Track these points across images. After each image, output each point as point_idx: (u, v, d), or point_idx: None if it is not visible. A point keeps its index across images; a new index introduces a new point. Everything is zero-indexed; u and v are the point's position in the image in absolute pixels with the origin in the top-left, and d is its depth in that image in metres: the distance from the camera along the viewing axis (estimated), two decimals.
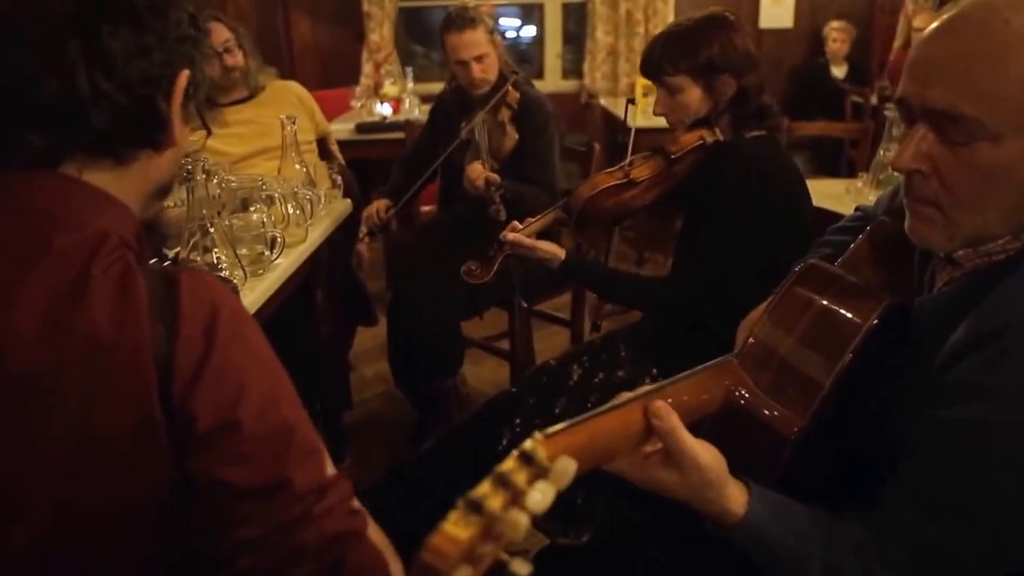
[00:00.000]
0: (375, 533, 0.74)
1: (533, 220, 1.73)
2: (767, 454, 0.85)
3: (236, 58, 2.50)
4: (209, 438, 0.66)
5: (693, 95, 1.59)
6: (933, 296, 0.90)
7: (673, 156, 1.64)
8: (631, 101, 1.86)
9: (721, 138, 1.63)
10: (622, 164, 1.70)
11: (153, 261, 1.48)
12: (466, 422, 1.84)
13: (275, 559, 0.66)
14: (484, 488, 0.50)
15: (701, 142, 1.62)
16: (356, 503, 0.73)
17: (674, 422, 0.76)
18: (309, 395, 2.25)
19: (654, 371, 1.61)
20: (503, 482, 0.51)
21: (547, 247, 1.68)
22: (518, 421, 1.62)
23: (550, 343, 2.98)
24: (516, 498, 0.50)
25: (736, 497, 0.80)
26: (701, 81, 1.58)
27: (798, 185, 1.61)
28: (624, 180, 1.66)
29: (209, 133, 0.91)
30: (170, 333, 0.66)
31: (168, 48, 0.74)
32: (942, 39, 0.79)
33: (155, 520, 0.69)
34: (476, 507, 0.49)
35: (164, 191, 0.84)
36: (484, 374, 2.94)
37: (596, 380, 1.64)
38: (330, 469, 0.73)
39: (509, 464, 0.52)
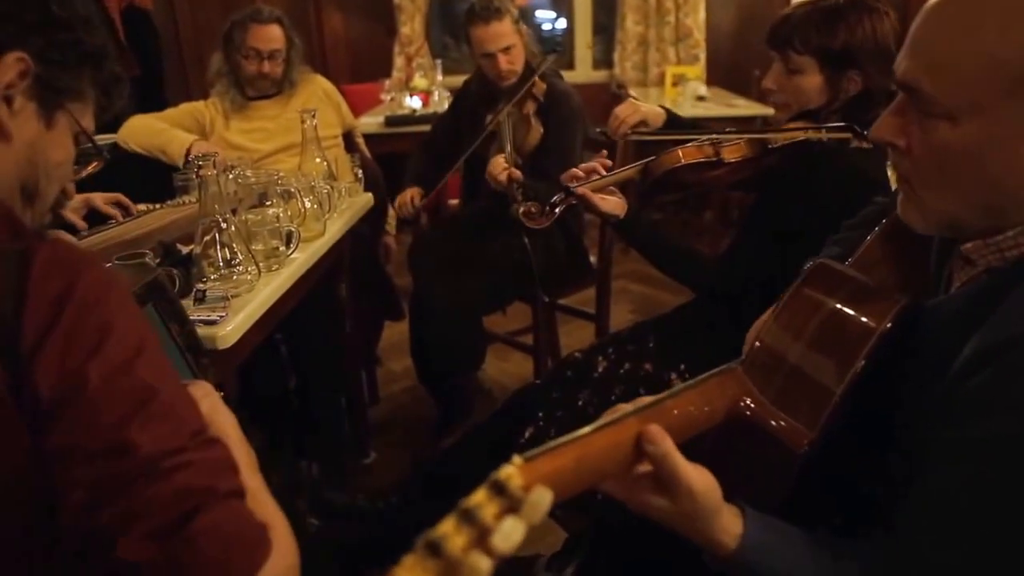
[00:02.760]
0: (269, 513, 0.69)
1: (607, 174, 1.60)
2: (775, 469, 0.80)
3: (275, 68, 2.47)
4: (56, 405, 0.62)
5: (812, 82, 1.46)
6: (948, 297, 0.85)
7: (771, 146, 1.51)
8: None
9: (825, 139, 1.48)
10: (712, 138, 1.56)
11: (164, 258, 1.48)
12: (491, 416, 1.82)
13: (106, 518, 0.60)
14: (447, 525, 0.45)
15: (805, 139, 1.49)
16: (232, 471, 0.67)
17: (667, 447, 0.71)
18: (333, 390, 2.29)
19: (682, 366, 1.56)
20: (469, 518, 0.45)
21: (609, 207, 1.57)
22: (541, 414, 1.59)
23: (575, 337, 2.94)
24: (481, 537, 0.45)
25: (729, 528, 0.76)
26: (827, 70, 1.44)
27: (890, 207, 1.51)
28: (713, 158, 1.53)
29: (96, 147, 0.87)
30: (16, 309, 0.63)
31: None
32: (929, 11, 0.76)
33: (12, 504, 0.65)
34: (435, 549, 0.43)
35: (29, 196, 0.78)
36: (509, 369, 2.92)
37: (622, 372, 1.60)
38: (205, 435, 0.68)
39: (478, 496, 0.47)
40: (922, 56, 0.75)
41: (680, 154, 1.54)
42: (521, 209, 1.65)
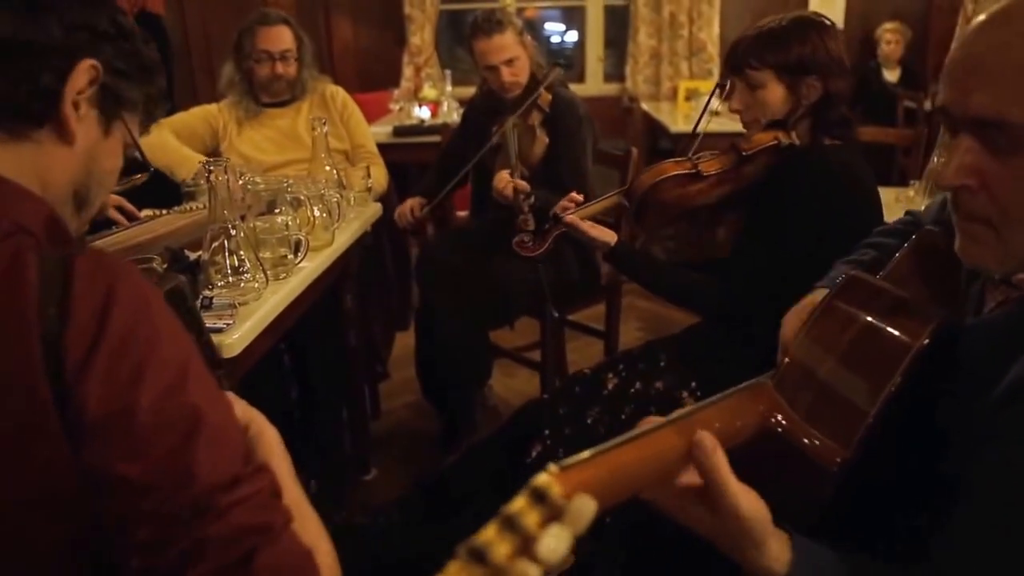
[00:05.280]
0: (312, 532, 0.70)
1: (591, 202, 1.67)
2: (806, 488, 0.77)
3: (288, 69, 2.45)
4: (101, 427, 0.62)
5: (775, 94, 1.53)
6: (986, 318, 0.82)
7: (745, 154, 1.55)
8: (720, 86, 1.67)
9: (797, 143, 1.55)
10: (689, 156, 1.61)
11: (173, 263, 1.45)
12: (495, 432, 1.79)
13: (172, 556, 0.61)
14: (489, 533, 0.44)
15: (776, 143, 1.54)
16: (279, 499, 0.69)
17: (717, 462, 0.68)
18: (336, 402, 2.25)
19: (693, 384, 1.54)
20: (511, 525, 0.44)
21: (599, 233, 1.63)
22: (547, 432, 1.56)
23: (583, 354, 2.91)
24: (526, 545, 0.44)
25: (777, 555, 0.71)
26: (786, 79, 1.51)
27: (874, 199, 1.54)
28: (692, 171, 1.57)
29: (141, 152, 0.88)
30: (61, 316, 0.63)
31: (72, 33, 0.73)
32: (986, 35, 0.71)
33: (58, 518, 0.66)
34: (479, 556, 0.42)
35: (80, 203, 0.80)
36: (515, 385, 2.88)
37: (632, 391, 1.57)
38: (253, 459, 0.70)
39: (519, 504, 0.46)
40: (1000, 86, 0.69)
41: (660, 168, 1.60)
42: (515, 239, 1.68)
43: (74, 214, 0.81)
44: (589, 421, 1.54)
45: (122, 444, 0.62)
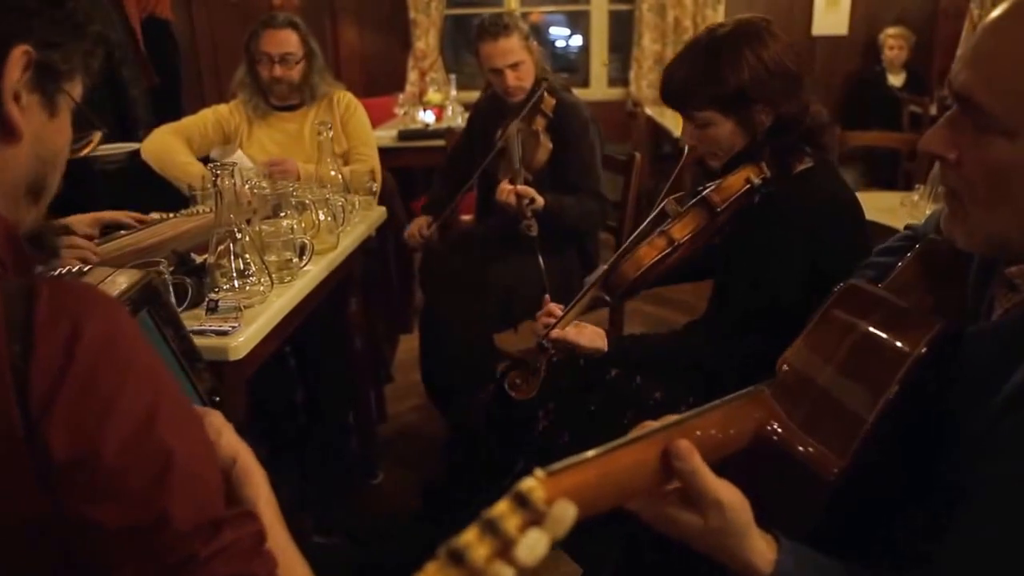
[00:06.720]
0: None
1: (568, 308, 1.52)
2: (803, 497, 0.78)
3: (289, 72, 2.43)
4: (69, 470, 0.59)
5: (724, 129, 1.41)
6: (992, 324, 0.82)
7: (719, 209, 1.43)
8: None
9: (768, 174, 1.42)
10: (660, 225, 1.48)
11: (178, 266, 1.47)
12: (497, 434, 1.79)
13: None
14: (470, 535, 0.45)
15: (748, 186, 1.42)
16: (263, 545, 0.66)
17: (696, 463, 0.68)
18: (340, 406, 2.25)
19: (691, 399, 1.52)
20: (492, 529, 0.45)
21: (589, 340, 1.50)
22: (552, 405, 1.56)
23: None
24: (505, 548, 0.45)
25: (762, 552, 0.72)
26: (732, 115, 1.39)
27: (856, 222, 1.45)
28: (669, 249, 1.45)
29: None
30: (25, 352, 0.58)
31: (1, 21, 0.66)
32: (992, 26, 0.75)
33: (32, 550, 0.63)
34: (458, 558, 0.43)
35: (36, 193, 0.73)
36: None
37: (634, 386, 1.56)
38: (238, 499, 0.67)
39: (501, 507, 0.47)
40: (982, 70, 0.73)
41: (637, 259, 1.47)
42: (507, 383, 1.57)
43: (31, 206, 0.74)
44: (592, 408, 1.52)
45: (90, 488, 0.59)
